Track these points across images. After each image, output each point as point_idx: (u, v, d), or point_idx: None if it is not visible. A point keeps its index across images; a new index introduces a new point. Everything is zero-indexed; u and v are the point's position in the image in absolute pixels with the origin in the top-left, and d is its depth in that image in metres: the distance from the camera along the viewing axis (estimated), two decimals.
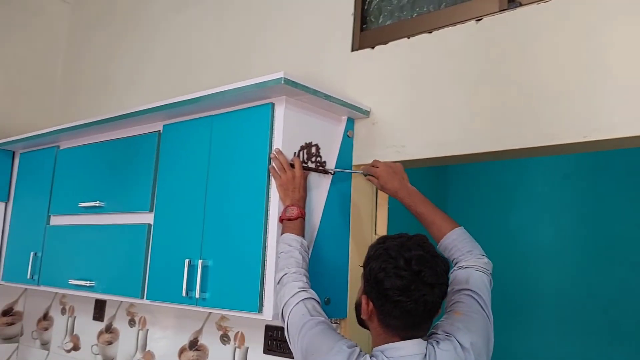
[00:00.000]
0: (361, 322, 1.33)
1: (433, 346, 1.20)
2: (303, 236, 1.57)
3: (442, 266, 1.21)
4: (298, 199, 1.60)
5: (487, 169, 3.79)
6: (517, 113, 1.55)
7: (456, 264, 1.44)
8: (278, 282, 1.49)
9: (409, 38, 1.82)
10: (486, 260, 1.43)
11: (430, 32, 1.77)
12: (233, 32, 2.43)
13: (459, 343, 1.21)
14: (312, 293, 1.43)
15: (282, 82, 1.56)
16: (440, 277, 1.19)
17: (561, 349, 3.42)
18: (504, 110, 1.57)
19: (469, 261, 1.41)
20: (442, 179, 4.06)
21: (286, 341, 1.94)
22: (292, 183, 1.60)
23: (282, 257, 1.52)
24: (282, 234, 1.58)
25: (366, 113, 1.86)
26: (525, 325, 3.54)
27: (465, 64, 1.67)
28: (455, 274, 1.39)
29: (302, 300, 1.39)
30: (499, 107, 1.59)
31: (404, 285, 1.15)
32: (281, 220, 1.60)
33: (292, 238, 1.54)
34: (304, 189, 1.64)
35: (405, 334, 1.20)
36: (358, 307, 1.29)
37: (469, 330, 1.25)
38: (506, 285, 3.62)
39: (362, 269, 1.30)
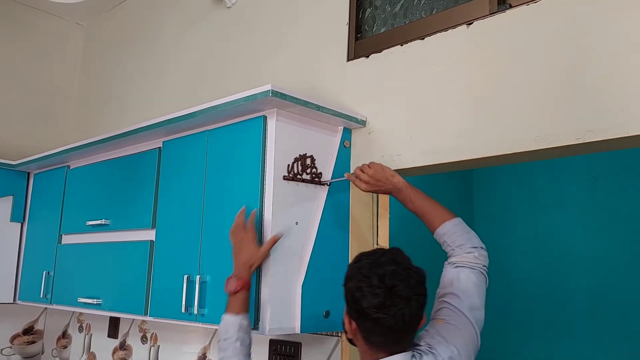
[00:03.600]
0: (350, 340, 1.32)
1: (416, 358, 1.21)
2: (246, 309, 1.48)
3: (415, 278, 1.20)
4: (238, 267, 1.51)
5: (513, 171, 3.68)
6: (512, 116, 1.50)
7: (448, 258, 1.43)
8: None
9: (402, 45, 1.79)
10: (476, 253, 1.39)
11: (423, 39, 1.74)
12: (233, 46, 2.44)
13: (441, 356, 1.23)
14: None
15: (270, 94, 1.55)
16: (414, 289, 1.18)
17: (594, 358, 3.29)
18: (499, 115, 1.53)
19: (457, 257, 1.39)
20: (467, 183, 3.97)
21: (292, 355, 1.95)
22: (237, 245, 1.54)
23: (222, 343, 1.44)
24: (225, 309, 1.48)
25: (362, 123, 1.84)
26: (556, 334, 3.40)
27: (457, 69, 1.64)
28: (444, 275, 1.38)
29: None
30: (493, 112, 1.55)
31: (380, 302, 1.16)
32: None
33: (230, 322, 1.44)
34: (248, 252, 1.52)
35: (389, 350, 1.21)
36: (344, 326, 1.29)
37: (449, 342, 1.26)
38: (536, 292, 3.50)
39: None
